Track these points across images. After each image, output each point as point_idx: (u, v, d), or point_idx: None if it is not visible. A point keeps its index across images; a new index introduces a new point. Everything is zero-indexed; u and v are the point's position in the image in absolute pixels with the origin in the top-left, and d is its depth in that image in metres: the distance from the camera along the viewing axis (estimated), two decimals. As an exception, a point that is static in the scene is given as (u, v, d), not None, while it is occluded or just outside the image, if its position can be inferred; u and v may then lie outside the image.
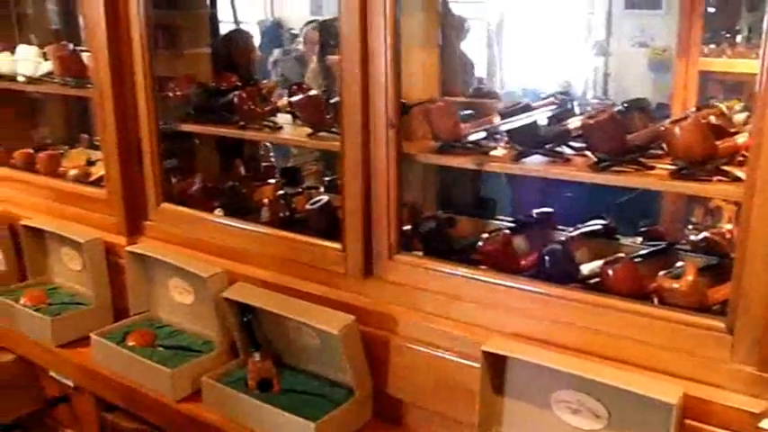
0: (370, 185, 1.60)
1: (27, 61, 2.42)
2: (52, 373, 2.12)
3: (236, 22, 4.14)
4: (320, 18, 5.00)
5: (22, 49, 2.47)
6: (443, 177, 1.84)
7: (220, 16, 2.48)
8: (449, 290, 1.57)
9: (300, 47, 4.49)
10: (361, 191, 1.60)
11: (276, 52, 4.82)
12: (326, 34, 3.25)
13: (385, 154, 1.56)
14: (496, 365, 1.42)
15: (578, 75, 5.30)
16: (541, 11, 5.28)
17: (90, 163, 2.48)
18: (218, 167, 2.25)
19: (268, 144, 2.50)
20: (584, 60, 5.36)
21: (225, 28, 2.54)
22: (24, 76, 2.43)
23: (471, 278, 1.54)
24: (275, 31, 5.86)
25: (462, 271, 1.55)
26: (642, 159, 1.39)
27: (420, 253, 1.67)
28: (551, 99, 1.55)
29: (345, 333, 1.53)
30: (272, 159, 2.52)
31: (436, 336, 1.55)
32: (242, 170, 2.27)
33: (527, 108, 1.50)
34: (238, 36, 2.58)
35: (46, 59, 2.42)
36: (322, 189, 2.12)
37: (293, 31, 5.55)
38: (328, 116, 1.75)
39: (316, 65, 3.24)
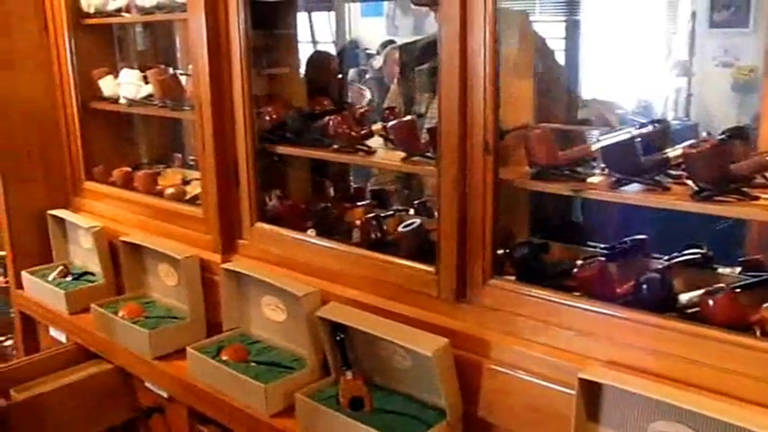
0: (466, 210, 1.62)
1: (129, 84, 2.54)
2: (147, 384, 2.21)
3: (314, 42, 4.23)
4: (396, 38, 5.05)
5: (125, 72, 2.59)
6: (534, 201, 1.85)
7: (299, 36, 2.52)
8: (542, 315, 1.57)
9: (376, 64, 4.54)
10: (456, 215, 1.62)
11: (352, 72, 4.89)
12: (408, 56, 3.24)
13: (482, 179, 1.58)
14: (592, 393, 1.41)
15: (659, 95, 5.21)
16: (621, 30, 5.22)
17: (185, 182, 2.58)
18: (309, 188, 2.30)
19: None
20: (666, 81, 5.26)
21: (303, 49, 2.58)
22: (126, 98, 2.55)
23: (566, 304, 1.54)
24: (351, 52, 5.94)
25: (557, 297, 1.55)
26: (745, 189, 1.38)
27: (512, 278, 1.68)
28: (650, 127, 1.54)
29: (439, 355, 1.55)
30: (350, 179, 2.57)
31: (529, 361, 1.56)
32: (331, 191, 2.32)
33: (625, 135, 1.50)
34: (324, 58, 2.64)
35: (146, 83, 2.54)
36: (412, 212, 2.16)
37: (369, 52, 5.61)
38: (423, 141, 1.78)
39: (396, 86, 3.24)
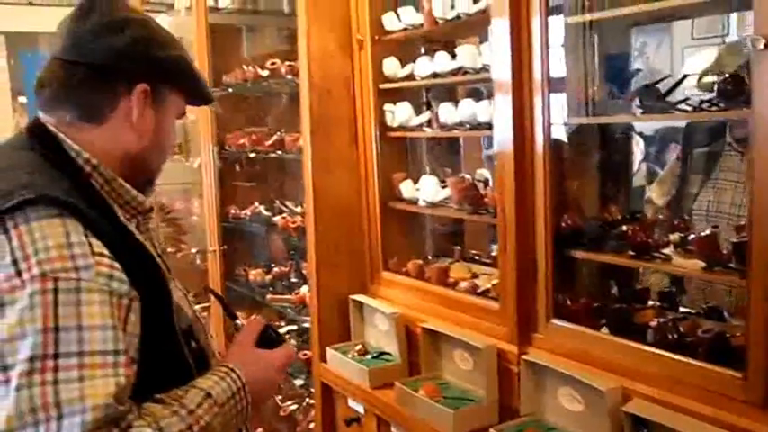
0: (776, 322, 1.73)
1: (429, 189, 2.91)
2: (445, 459, 2.46)
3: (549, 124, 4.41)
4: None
5: (425, 179, 2.97)
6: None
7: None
8: None
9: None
10: (765, 326, 1.73)
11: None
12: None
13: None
14: None
15: None
16: None
17: (474, 276, 2.86)
18: (597, 287, 2.49)
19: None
20: None
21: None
22: (425, 201, 2.92)
23: None
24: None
25: None
26: None
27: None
28: None
29: (753, 459, 1.66)
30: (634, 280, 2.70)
31: None
32: (615, 291, 2.49)
33: None
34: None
35: (443, 187, 2.89)
36: (702, 313, 2.28)
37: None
38: (724, 252, 1.92)
39: (669, 170, 3.13)
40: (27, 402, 1.12)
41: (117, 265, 1.26)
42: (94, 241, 1.25)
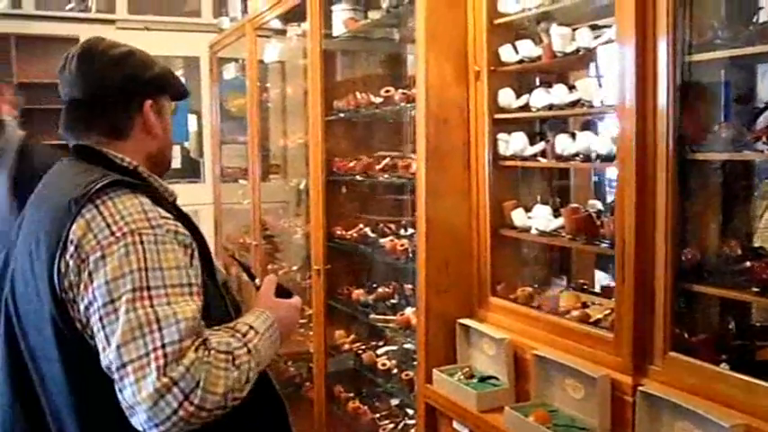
0: None
1: (542, 218, 2.95)
2: (552, 485, 2.49)
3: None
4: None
5: (538, 207, 3.02)
6: None
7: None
8: None
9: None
10: None
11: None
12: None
13: None
14: None
15: None
16: None
17: (584, 305, 2.88)
18: (714, 323, 2.48)
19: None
20: None
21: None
22: (538, 229, 2.97)
23: None
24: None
25: None
26: None
27: None
28: None
29: None
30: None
31: None
32: (732, 326, 2.48)
33: None
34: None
35: (556, 216, 2.93)
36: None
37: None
38: None
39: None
40: (135, 321, 1.51)
41: (179, 223, 1.69)
42: (160, 209, 1.67)
